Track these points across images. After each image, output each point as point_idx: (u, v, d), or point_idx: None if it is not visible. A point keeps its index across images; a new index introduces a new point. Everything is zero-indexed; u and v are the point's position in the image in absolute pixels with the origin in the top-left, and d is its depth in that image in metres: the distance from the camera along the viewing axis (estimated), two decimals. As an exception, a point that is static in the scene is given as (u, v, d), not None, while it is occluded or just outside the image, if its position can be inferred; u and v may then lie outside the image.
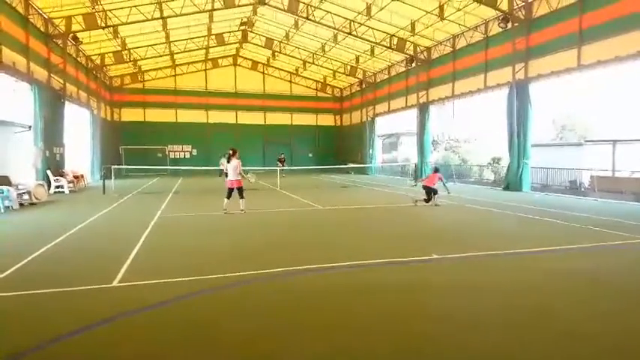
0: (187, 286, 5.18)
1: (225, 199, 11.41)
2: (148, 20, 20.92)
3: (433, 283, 5.34)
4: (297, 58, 32.16)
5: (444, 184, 13.42)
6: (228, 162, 11.33)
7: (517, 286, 5.21)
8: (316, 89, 38.40)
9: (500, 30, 18.46)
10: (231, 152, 11.39)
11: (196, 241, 7.95)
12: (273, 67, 35.87)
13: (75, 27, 19.64)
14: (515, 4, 17.48)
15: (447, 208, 12.68)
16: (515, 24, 17.71)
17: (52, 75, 19.06)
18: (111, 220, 10.50)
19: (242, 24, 26.43)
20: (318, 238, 8.37)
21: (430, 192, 13.06)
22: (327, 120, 39.45)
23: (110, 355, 3.47)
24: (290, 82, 37.42)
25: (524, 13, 17.45)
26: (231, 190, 11.35)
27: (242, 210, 11.28)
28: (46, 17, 18.53)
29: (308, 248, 7.41)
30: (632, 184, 14.60)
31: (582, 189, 16.94)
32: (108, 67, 28.45)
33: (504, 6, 17.64)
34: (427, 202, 13.04)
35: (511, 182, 17.95)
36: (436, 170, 13.84)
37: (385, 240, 8.08)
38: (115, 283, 5.25)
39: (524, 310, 4.35)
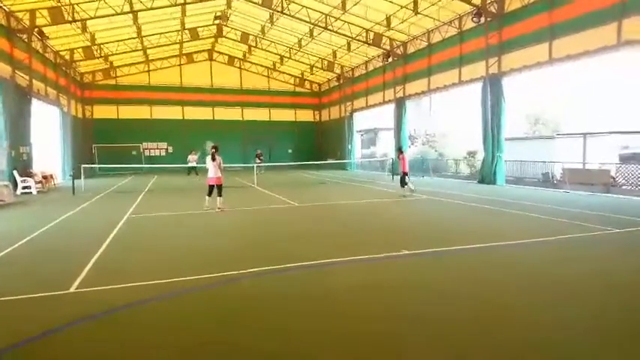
0: (150, 289, 5.01)
1: (207, 197, 11.37)
2: (117, 14, 20.29)
3: (403, 280, 5.30)
4: (274, 53, 31.84)
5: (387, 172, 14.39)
6: (213, 159, 11.15)
7: (472, 281, 5.23)
8: (294, 84, 38.12)
9: (474, 25, 18.61)
10: (213, 150, 11.27)
11: (164, 242, 7.75)
12: (249, 62, 35.43)
13: (40, 21, 18.90)
14: (487, -2, 17.65)
15: (422, 203, 12.75)
16: (489, 19, 17.88)
17: (16, 71, 18.31)
18: (77, 221, 10.15)
19: (216, 18, 25.94)
20: (288, 238, 8.25)
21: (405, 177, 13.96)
22: (306, 115, 39.24)
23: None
24: (267, 77, 37.03)
25: (496, 7, 17.63)
26: (211, 188, 11.25)
27: (219, 208, 11.17)
28: (7, 10, 17.75)
29: (278, 248, 7.28)
30: (601, 175, 14.92)
31: (554, 181, 17.25)
32: (78, 63, 27.58)
33: (477, 0, 17.76)
34: (405, 185, 13.88)
35: (486, 175, 18.18)
36: (400, 151, 14.51)
37: (357, 236, 8.04)
38: (72, 289, 5.03)
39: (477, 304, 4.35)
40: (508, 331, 3.76)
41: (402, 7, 20.19)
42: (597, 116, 27.10)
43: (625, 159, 18.83)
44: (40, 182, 17.88)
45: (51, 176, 20.00)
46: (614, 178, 15.07)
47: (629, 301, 4.50)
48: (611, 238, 7.55)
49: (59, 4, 18.34)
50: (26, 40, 19.31)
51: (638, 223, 8.79)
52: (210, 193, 11.34)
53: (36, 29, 19.16)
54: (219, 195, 11.29)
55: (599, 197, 13.47)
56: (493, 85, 17.82)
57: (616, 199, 13.12)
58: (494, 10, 17.66)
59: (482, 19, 17.93)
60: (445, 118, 34.21)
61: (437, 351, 3.42)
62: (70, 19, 19.33)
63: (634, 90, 28.83)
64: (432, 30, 22.08)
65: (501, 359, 3.29)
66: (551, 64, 15.77)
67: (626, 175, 15.06)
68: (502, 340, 3.57)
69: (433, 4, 19.21)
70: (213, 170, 11.17)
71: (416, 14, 20.18)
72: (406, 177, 14.22)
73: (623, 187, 14.37)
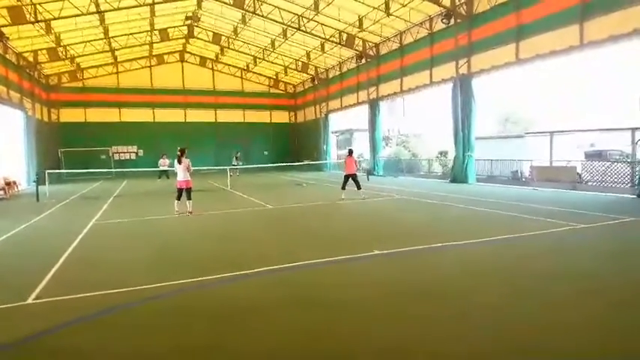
0: (113, 298, 4.80)
1: (176, 201, 11.17)
2: (83, 15, 19.64)
3: (375, 280, 5.26)
4: (247, 54, 31.55)
5: (362, 172, 13.76)
6: (179, 162, 11.01)
7: (441, 279, 5.25)
8: (269, 85, 37.84)
9: (444, 26, 18.90)
10: (179, 152, 11.10)
11: (128, 250, 7.49)
12: (222, 63, 34.96)
13: (-1, 21, 18.13)
14: (457, 0, 17.91)
15: (394, 202, 12.83)
16: (458, 20, 18.18)
17: (-26, 74, 17.51)
18: (39, 229, 9.73)
19: (187, 18, 25.49)
20: (261, 240, 8.12)
21: (349, 179, 13.42)
22: (281, 117, 39.00)
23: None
24: (241, 78, 36.63)
25: (465, 9, 17.93)
26: (180, 191, 11.05)
27: (189, 212, 10.94)
28: (-36, 10, 16.96)
29: (250, 252, 7.14)
30: (567, 173, 15.35)
31: (523, 179, 17.66)
32: (42, 64, 26.57)
33: (447, 2, 18.04)
34: (343, 189, 13.46)
35: (457, 175, 18.46)
36: (350, 153, 14.12)
37: (331, 237, 7.99)
38: (30, 300, 4.79)
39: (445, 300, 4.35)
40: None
41: (373, 8, 20.32)
42: (566, 115, 28.00)
43: (590, 156, 19.46)
44: (2, 189, 17.13)
45: (14, 183, 19.17)
46: (580, 175, 15.52)
47: (590, 291, 4.58)
48: (577, 233, 7.73)
49: (19, 3, 17.57)
50: (-16, 40, 18.50)
51: (603, 218, 9.06)
52: (179, 197, 11.13)
53: (-5, 29, 18.36)
54: (189, 198, 11.07)
55: (566, 194, 13.86)
56: (463, 86, 18.12)
57: (582, 195, 13.52)
58: (463, 12, 17.97)
59: (452, 21, 18.23)
60: (418, 119, 34.68)
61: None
62: (32, 19, 18.56)
63: (601, 89, 29.99)
64: (404, 31, 22.31)
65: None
66: (519, 64, 16.15)
67: (591, 171, 15.53)
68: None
69: (404, 6, 19.38)
70: (182, 173, 10.98)
71: (388, 15, 20.33)
72: (349, 180, 13.50)
73: (589, 183, 14.81)
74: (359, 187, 13.56)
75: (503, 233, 7.70)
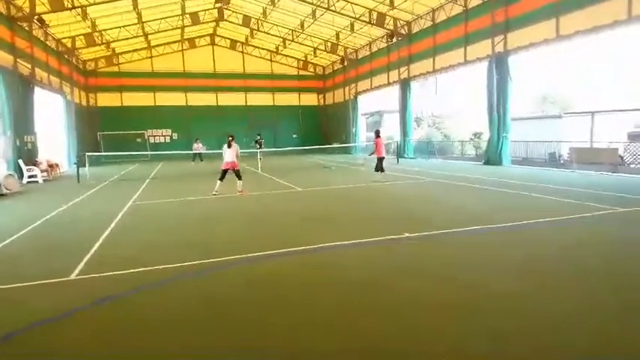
0: (147, 276, 5.01)
1: (218, 181, 11.62)
2: (117, 0, 20.06)
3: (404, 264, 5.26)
4: (277, 36, 31.44)
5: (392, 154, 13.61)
6: (229, 147, 11.52)
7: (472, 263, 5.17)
8: (298, 68, 37.70)
9: (480, 2, 18.18)
10: (230, 138, 11.66)
11: (165, 229, 7.76)
12: (252, 45, 35.03)
13: (40, 9, 18.74)
14: (493, -26, 17.17)
15: (426, 185, 12.66)
16: (495, -5, 17.43)
17: (18, 60, 18.26)
18: (80, 209, 10.19)
19: (217, 1, 25.58)
20: (291, 222, 8.23)
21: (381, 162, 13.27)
22: (310, 99, 38.90)
23: (61, 352, 3.32)
24: (271, 60, 36.66)
25: (503, -17, 17.16)
26: (224, 172, 11.52)
27: (240, 192, 11.53)
28: (7, -1, 17.64)
29: (281, 232, 7.26)
30: (608, 155, 14.67)
31: (561, 161, 17.00)
32: (79, 50, 27.43)
33: (483, -23, 17.32)
34: (382, 172, 13.29)
35: (491, 156, 17.97)
36: (377, 135, 13.74)
37: (360, 220, 8.00)
38: (72, 277, 5.06)
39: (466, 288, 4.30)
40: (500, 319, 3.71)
41: (405, -15, 19.77)
42: (608, 94, 26.60)
43: (634, 137, 18.48)
44: (45, 171, 17.99)
45: (56, 165, 20.11)
46: (622, 157, 14.81)
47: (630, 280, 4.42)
48: (617, 218, 7.41)
49: (58, -10, 18.15)
50: (27, 28, 19.21)
51: (646, 202, 8.65)
52: (222, 178, 11.56)
53: (36, 17, 19.02)
54: (239, 178, 11.63)
55: (607, 177, 13.26)
56: (499, 64, 17.47)
57: (624, 178, 12.90)
58: (500, -14, 17.21)
59: (488, -4, 17.51)
60: (451, 99, 33.81)
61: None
62: (69, 5, 19.16)
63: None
64: (437, 8, 21.61)
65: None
66: (559, 40, 15.39)
67: (634, 153, 14.78)
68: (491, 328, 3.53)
69: (437, -18, 18.77)
70: (229, 157, 11.41)
71: (420, -8, 19.75)
72: (381, 162, 13.43)
73: (631, 165, 14.11)
74: (377, 170, 13.44)
75: (540, 217, 7.45)
